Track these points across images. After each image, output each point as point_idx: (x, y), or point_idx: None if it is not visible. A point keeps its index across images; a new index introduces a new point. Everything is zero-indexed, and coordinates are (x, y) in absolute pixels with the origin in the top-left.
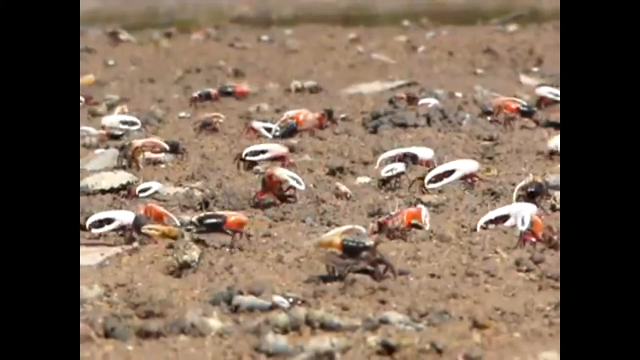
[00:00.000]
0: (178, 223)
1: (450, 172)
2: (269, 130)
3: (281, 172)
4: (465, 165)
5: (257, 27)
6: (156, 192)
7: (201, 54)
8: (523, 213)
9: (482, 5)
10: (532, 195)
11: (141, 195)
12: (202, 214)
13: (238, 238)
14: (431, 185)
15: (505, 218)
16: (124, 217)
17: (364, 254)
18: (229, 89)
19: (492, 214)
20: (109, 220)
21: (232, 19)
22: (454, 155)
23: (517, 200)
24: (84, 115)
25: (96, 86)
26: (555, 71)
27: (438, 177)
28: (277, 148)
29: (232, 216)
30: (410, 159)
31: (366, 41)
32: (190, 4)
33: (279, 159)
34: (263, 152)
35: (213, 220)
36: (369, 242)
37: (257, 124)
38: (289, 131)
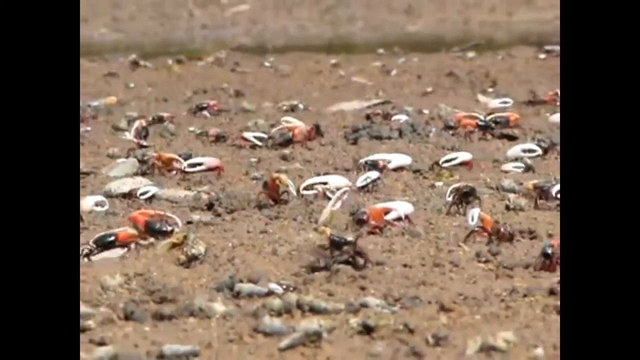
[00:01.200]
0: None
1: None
2: (260, 139)
3: (285, 178)
4: (402, 207)
5: (255, 55)
6: (154, 195)
7: (207, 78)
8: (403, 209)
9: (445, 36)
10: (465, 195)
11: (142, 197)
12: (97, 236)
13: (133, 248)
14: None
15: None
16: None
17: (346, 247)
18: (204, 104)
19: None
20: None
21: (233, 48)
22: (423, 163)
23: (451, 198)
24: (107, 129)
25: (118, 105)
26: (507, 91)
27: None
28: (212, 161)
29: (121, 232)
30: (371, 166)
31: (347, 66)
32: (198, 36)
33: (214, 169)
34: (199, 164)
35: (107, 240)
36: (350, 237)
37: (247, 134)
38: (285, 141)
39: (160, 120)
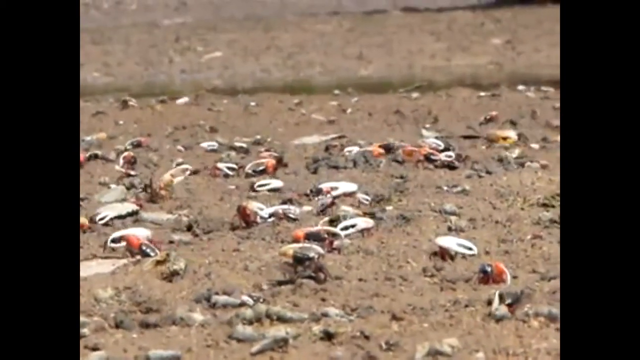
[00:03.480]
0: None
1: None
2: (231, 169)
3: (253, 206)
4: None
5: (227, 95)
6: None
7: (186, 116)
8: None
9: (392, 79)
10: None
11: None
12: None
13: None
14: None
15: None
16: None
17: (307, 263)
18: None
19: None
20: None
21: (208, 89)
22: (373, 188)
23: None
24: (99, 161)
25: (108, 139)
26: (446, 127)
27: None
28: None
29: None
30: (317, 193)
31: (307, 105)
32: (177, 79)
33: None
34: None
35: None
36: (312, 254)
37: (221, 165)
38: (259, 172)
39: (139, 145)
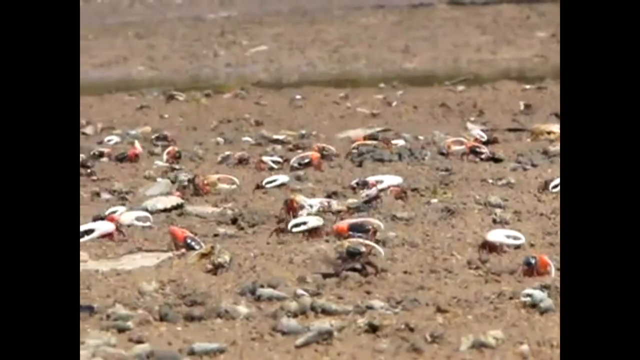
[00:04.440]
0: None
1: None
2: (276, 162)
3: (300, 199)
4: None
5: (272, 89)
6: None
7: (231, 109)
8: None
9: (437, 72)
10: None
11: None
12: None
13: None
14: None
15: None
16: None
17: (358, 257)
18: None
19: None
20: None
21: (253, 83)
22: (419, 182)
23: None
24: (144, 154)
25: (153, 133)
26: (491, 120)
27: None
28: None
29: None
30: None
31: (352, 98)
32: (222, 73)
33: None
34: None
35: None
36: (363, 248)
37: (266, 158)
38: (304, 165)
39: (165, 138)
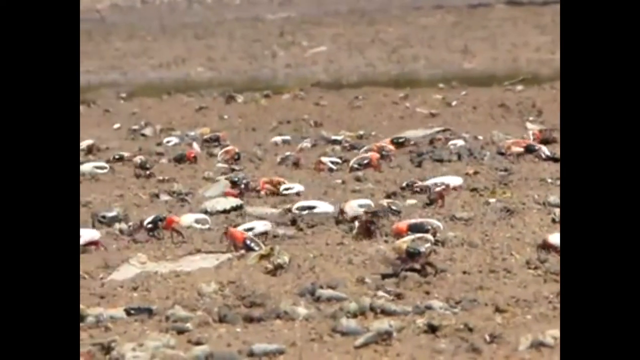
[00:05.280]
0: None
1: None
2: (335, 163)
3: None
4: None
5: (332, 89)
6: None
7: (290, 110)
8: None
9: (496, 73)
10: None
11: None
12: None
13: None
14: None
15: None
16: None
17: (417, 257)
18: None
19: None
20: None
21: (313, 83)
22: (479, 183)
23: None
24: (203, 154)
25: (212, 134)
26: (550, 120)
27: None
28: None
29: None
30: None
31: (412, 99)
32: (281, 73)
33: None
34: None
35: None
36: (423, 248)
37: (325, 159)
38: (364, 165)
39: (217, 140)
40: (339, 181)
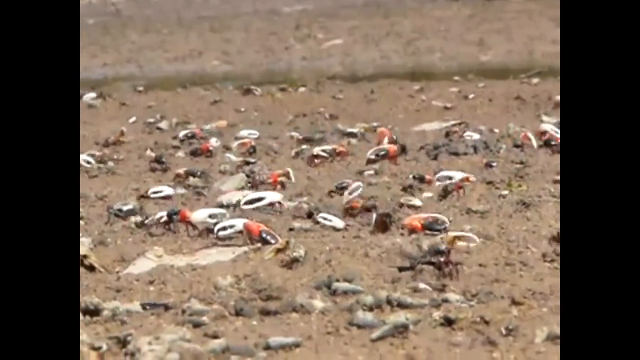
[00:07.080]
0: (276, 238)
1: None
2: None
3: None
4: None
5: (348, 82)
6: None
7: (306, 103)
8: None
9: (512, 65)
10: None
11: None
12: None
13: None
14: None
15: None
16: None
17: (438, 255)
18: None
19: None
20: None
21: (328, 76)
22: (494, 176)
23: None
24: (219, 148)
25: (228, 127)
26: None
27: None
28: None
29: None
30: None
31: (427, 92)
32: (297, 66)
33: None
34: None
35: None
36: (444, 247)
37: (316, 150)
38: (381, 157)
39: (193, 136)
40: (351, 174)
